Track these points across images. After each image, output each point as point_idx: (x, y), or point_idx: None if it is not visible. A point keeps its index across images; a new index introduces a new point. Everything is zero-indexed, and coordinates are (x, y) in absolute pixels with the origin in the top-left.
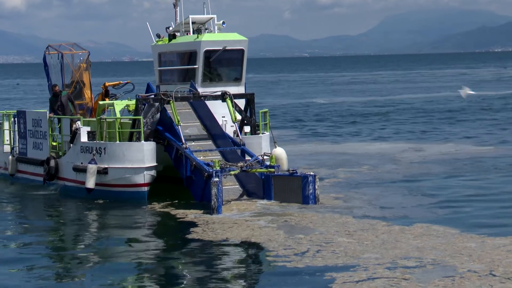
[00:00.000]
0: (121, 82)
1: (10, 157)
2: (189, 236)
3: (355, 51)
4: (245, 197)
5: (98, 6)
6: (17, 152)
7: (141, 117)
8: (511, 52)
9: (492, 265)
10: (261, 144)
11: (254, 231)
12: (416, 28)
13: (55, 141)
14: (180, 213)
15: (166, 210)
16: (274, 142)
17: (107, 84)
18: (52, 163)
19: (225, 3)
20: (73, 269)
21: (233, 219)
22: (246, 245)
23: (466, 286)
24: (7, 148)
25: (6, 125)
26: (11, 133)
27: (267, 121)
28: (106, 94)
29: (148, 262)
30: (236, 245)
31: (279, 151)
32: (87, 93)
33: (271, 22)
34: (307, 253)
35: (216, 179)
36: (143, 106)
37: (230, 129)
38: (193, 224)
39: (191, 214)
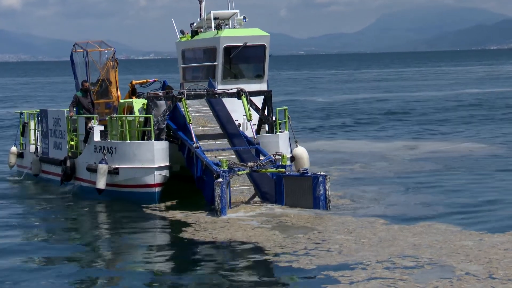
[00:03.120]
0: (149, 80)
1: (33, 156)
2: (183, 236)
3: (351, 49)
4: (257, 198)
5: (94, 4)
6: (41, 151)
7: (151, 115)
8: (506, 50)
9: (490, 266)
10: (278, 143)
11: (248, 232)
12: (412, 26)
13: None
14: (180, 213)
15: (165, 210)
16: (295, 141)
17: (134, 82)
18: (68, 163)
19: (220, 1)
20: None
21: (229, 220)
22: (242, 244)
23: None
24: (33, 148)
25: (32, 124)
26: (36, 132)
27: (286, 119)
28: (133, 92)
29: (132, 261)
30: (230, 245)
31: (300, 151)
32: (113, 91)
33: (267, 20)
34: (303, 251)
35: (220, 179)
36: (153, 104)
37: (252, 127)
38: (187, 224)
39: (192, 215)
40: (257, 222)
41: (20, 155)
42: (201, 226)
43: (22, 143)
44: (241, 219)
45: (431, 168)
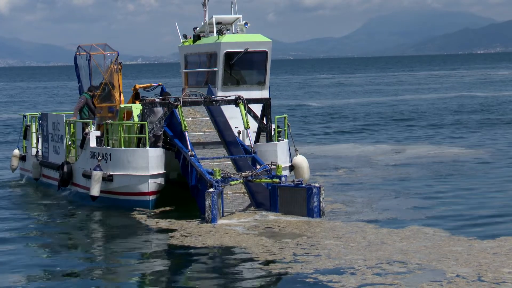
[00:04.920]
0: (152, 84)
1: (34, 160)
2: (172, 243)
3: (339, 53)
4: (252, 208)
5: (82, 9)
6: (41, 155)
7: (146, 122)
8: (493, 54)
9: (480, 270)
10: (276, 152)
11: (234, 238)
12: (399, 30)
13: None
14: (170, 220)
15: (157, 217)
16: (295, 150)
17: (137, 86)
18: (65, 168)
19: (224, 5)
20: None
21: (214, 226)
22: (231, 250)
23: None
24: (34, 152)
25: (34, 127)
26: (37, 135)
27: (286, 127)
28: (136, 96)
29: (121, 269)
30: (219, 251)
31: (300, 159)
32: (116, 95)
33: (255, 24)
34: (291, 257)
35: (211, 189)
36: (149, 111)
37: (252, 135)
38: (176, 231)
39: (182, 222)
40: (244, 228)
41: (22, 158)
42: (187, 232)
43: (25, 146)
44: (229, 225)
45: (419, 173)
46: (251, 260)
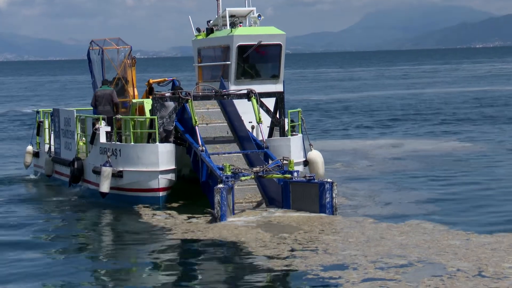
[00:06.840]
0: (166, 79)
1: (46, 156)
2: (172, 237)
3: (337, 47)
4: (263, 206)
5: (80, 3)
6: (53, 152)
7: (156, 117)
8: (492, 48)
9: (480, 264)
10: (290, 147)
11: (234, 231)
12: (397, 24)
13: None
14: (174, 216)
15: (157, 214)
16: (310, 145)
17: (151, 81)
18: (76, 164)
19: (205, 0)
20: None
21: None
22: (231, 246)
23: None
24: (47, 148)
25: (47, 123)
26: (50, 132)
27: (300, 122)
28: (150, 91)
29: (122, 263)
30: (218, 246)
31: (315, 154)
32: (130, 90)
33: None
34: (291, 252)
35: (220, 185)
36: (160, 105)
37: (266, 130)
38: (176, 226)
39: (187, 218)
40: (243, 222)
41: (36, 155)
42: (192, 228)
43: (38, 143)
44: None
45: (419, 166)
46: (250, 254)
